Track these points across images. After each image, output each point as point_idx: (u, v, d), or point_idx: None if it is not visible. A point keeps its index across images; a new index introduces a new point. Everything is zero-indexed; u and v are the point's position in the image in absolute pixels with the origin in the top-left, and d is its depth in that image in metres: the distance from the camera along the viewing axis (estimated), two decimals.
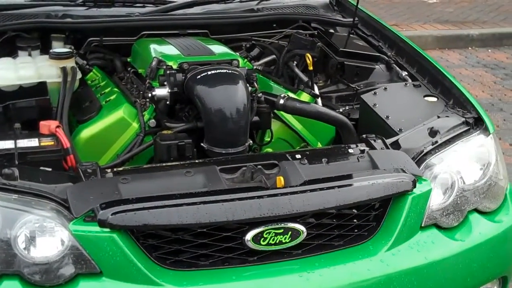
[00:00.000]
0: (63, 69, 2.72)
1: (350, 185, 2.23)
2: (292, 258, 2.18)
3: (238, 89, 2.50)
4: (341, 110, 2.97)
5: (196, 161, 2.34)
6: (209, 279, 2.09)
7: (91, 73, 3.04)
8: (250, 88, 2.59)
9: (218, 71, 2.53)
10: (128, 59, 3.12)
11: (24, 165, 2.22)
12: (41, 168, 2.23)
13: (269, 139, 2.74)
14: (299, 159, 2.34)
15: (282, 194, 2.14)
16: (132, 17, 3.16)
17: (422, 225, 2.35)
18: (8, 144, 2.29)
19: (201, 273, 2.10)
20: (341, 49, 3.14)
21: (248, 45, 3.34)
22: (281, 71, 3.29)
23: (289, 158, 2.34)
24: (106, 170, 2.23)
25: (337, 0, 3.74)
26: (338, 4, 3.74)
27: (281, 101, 2.67)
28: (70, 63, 2.78)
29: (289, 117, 2.81)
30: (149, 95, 2.62)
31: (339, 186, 2.21)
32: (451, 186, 2.47)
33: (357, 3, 3.37)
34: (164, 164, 2.31)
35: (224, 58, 2.72)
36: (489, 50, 8.19)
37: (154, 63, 2.68)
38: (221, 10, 3.42)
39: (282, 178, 2.18)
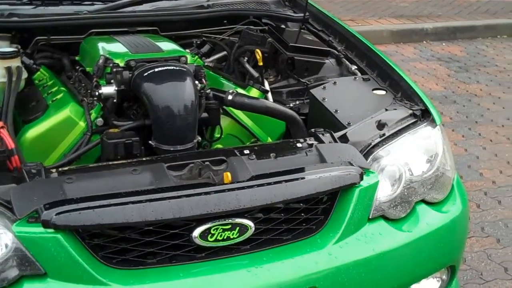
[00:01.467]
0: (8, 69, 2.67)
1: (297, 179, 2.23)
2: (240, 253, 2.18)
3: (186, 86, 2.49)
4: (291, 105, 2.99)
5: (143, 159, 2.32)
6: (156, 277, 2.08)
7: (38, 72, 2.99)
8: (198, 85, 2.58)
9: (165, 67, 2.52)
10: (77, 58, 3.08)
11: None
12: None
13: (218, 136, 2.73)
14: (247, 154, 2.34)
15: (229, 190, 2.13)
16: (80, 15, 3.12)
17: (370, 217, 2.37)
18: None
19: (148, 271, 2.09)
20: (290, 44, 3.15)
21: (198, 42, 3.33)
22: (232, 67, 3.29)
23: (237, 153, 2.34)
24: (51, 170, 2.21)
25: None
26: (289, 0, 3.75)
27: (230, 97, 2.67)
28: (15, 63, 2.73)
29: (239, 113, 2.81)
30: (96, 93, 2.60)
31: (286, 181, 2.21)
32: (398, 178, 2.49)
33: None
34: (110, 163, 2.29)
35: (172, 55, 2.70)
36: (443, 44, 8.31)
37: (101, 61, 2.66)
38: (171, 7, 3.40)
39: (229, 174, 2.18)
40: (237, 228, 2.14)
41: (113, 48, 2.81)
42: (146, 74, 2.50)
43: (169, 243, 2.11)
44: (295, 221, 2.27)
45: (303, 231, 2.28)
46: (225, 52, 3.35)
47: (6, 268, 1.99)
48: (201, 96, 2.60)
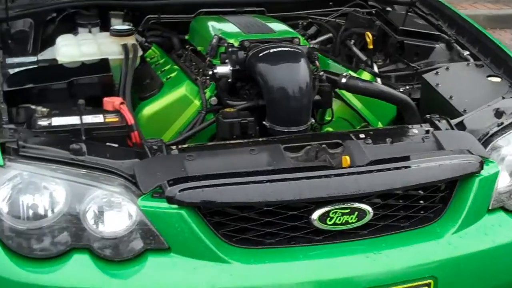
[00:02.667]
0: (125, 46, 2.72)
1: (417, 166, 2.19)
2: (358, 238, 2.16)
3: (301, 67, 2.48)
4: (401, 90, 2.93)
5: (260, 139, 2.32)
6: (276, 257, 2.09)
7: (150, 50, 3.04)
8: (311, 67, 2.57)
9: (280, 49, 2.51)
10: (186, 37, 3.12)
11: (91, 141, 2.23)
12: (108, 144, 2.24)
13: (329, 118, 2.71)
14: (363, 138, 2.31)
15: (348, 174, 2.12)
16: None
17: (489, 208, 2.31)
18: (74, 120, 2.31)
19: (267, 251, 2.10)
20: (400, 27, 3.09)
21: (304, 23, 3.31)
22: (338, 49, 3.26)
23: (353, 137, 2.32)
24: (171, 147, 2.24)
25: None
26: None
27: (343, 80, 2.64)
28: (131, 40, 2.79)
29: (349, 96, 2.78)
30: (210, 72, 2.62)
31: (405, 167, 2.18)
32: None
33: None
34: (228, 142, 2.31)
35: (285, 36, 2.70)
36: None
37: (214, 40, 2.68)
38: None
39: (347, 158, 2.16)
40: (356, 212, 2.12)
41: (226, 28, 2.82)
42: (261, 54, 2.50)
43: (288, 225, 2.11)
44: (413, 209, 2.24)
45: (421, 219, 2.25)
46: (330, 35, 3.32)
47: (131, 240, 2.04)
48: (315, 78, 2.58)
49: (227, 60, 2.57)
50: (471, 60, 2.98)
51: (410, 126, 2.45)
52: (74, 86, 2.52)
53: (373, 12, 3.38)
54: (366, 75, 2.84)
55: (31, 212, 2.04)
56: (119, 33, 2.78)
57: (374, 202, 2.18)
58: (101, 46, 2.71)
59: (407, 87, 2.98)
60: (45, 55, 2.83)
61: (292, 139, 2.32)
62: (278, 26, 2.86)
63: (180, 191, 2.01)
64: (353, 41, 3.29)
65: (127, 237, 2.04)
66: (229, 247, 2.07)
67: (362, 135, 2.34)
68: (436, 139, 2.35)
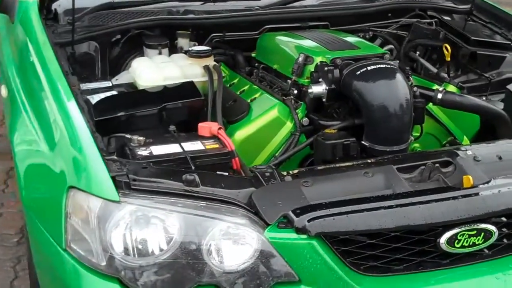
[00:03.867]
0: (207, 68, 2.64)
1: None
2: (484, 259, 2.11)
3: (400, 84, 2.43)
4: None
5: (369, 160, 2.26)
6: (405, 284, 2.03)
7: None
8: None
9: (377, 66, 2.46)
10: (252, 54, 3.05)
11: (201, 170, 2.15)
12: (218, 172, 2.17)
13: (418, 134, 2.66)
14: (471, 155, 2.27)
15: (475, 194, 2.06)
16: (254, 11, 3.09)
17: None
18: (174, 148, 2.23)
19: (396, 278, 2.04)
20: (473, 38, 3.04)
21: (368, 36, 3.26)
22: (402, 61, 3.21)
23: (462, 155, 2.27)
24: (283, 173, 2.17)
25: None
26: None
27: (439, 96, 2.59)
28: (210, 61, 2.71)
29: (437, 111, 2.73)
30: (296, 92, 2.57)
31: None
32: None
33: None
34: (338, 165, 2.24)
35: (371, 51, 2.64)
36: None
37: (301, 58, 2.61)
38: (337, 0, 3.35)
39: (470, 178, 2.11)
40: (482, 233, 2.07)
41: (306, 44, 2.76)
42: (358, 72, 2.45)
43: (415, 249, 2.05)
44: None
45: None
46: (391, 46, 3.27)
47: (259, 273, 1.96)
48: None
49: (320, 79, 2.50)
50: None
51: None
52: (165, 112, 2.44)
53: (433, 22, 3.33)
54: (451, 88, 2.79)
55: (151, 247, 1.95)
56: (198, 55, 2.70)
57: (497, 221, 2.12)
58: (183, 69, 2.63)
59: (484, 99, 2.94)
60: (120, 79, 2.74)
61: (401, 159, 2.27)
62: (358, 42, 2.81)
63: (309, 220, 1.94)
64: (417, 52, 3.25)
65: (255, 271, 1.96)
66: (358, 276, 2.00)
67: (469, 152, 2.30)
68: None
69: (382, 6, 3.27)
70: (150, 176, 2.06)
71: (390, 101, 2.38)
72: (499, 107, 2.79)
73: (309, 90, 2.49)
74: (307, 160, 2.54)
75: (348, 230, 1.96)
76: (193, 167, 2.14)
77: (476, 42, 3.05)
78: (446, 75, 3.03)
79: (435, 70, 3.10)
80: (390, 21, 3.33)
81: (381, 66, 2.46)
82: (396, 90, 2.40)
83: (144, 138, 2.28)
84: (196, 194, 2.01)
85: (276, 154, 2.48)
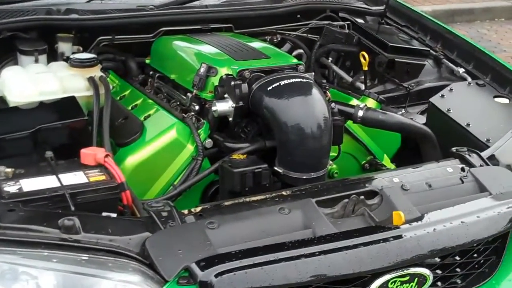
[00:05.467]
0: (92, 80, 2.24)
1: (477, 217, 1.88)
2: None
3: (317, 102, 2.11)
4: (398, 114, 2.62)
5: (284, 192, 1.94)
6: None
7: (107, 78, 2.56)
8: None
9: (291, 80, 2.13)
10: (146, 61, 2.67)
11: (80, 211, 1.76)
12: (104, 214, 1.78)
13: (335, 154, 2.35)
14: (398, 184, 1.99)
15: (408, 235, 1.78)
16: (148, 12, 2.70)
17: None
18: (50, 182, 1.83)
19: None
20: (391, 44, 2.77)
21: (276, 40, 2.93)
22: (313, 69, 2.91)
23: (388, 183, 1.99)
24: (183, 212, 1.81)
25: None
26: None
27: (360, 113, 2.29)
28: (96, 72, 2.30)
29: (356, 128, 2.44)
30: (197, 107, 2.22)
31: (464, 221, 1.86)
32: None
33: None
34: (249, 199, 1.90)
35: (284, 61, 2.32)
36: None
37: (202, 70, 2.25)
38: (241, 0, 3.00)
39: (401, 214, 1.82)
40: (416, 279, 1.80)
41: (208, 52, 2.40)
42: (270, 88, 2.11)
43: None
44: (469, 265, 1.93)
45: (477, 276, 1.95)
46: (300, 51, 2.97)
47: None
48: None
49: (226, 95, 2.15)
50: (469, 78, 2.73)
51: (442, 164, 2.14)
52: (40, 135, 2.02)
53: (346, 25, 3.05)
54: (371, 102, 2.50)
55: None
56: (82, 64, 2.28)
57: (432, 263, 1.85)
58: (63, 82, 2.20)
59: (403, 111, 2.69)
60: None
61: (320, 190, 1.96)
62: (267, 49, 2.48)
63: (216, 275, 1.59)
64: (330, 58, 2.96)
65: None
66: None
67: (396, 179, 2.02)
68: (475, 179, 2.07)
69: (291, 7, 2.95)
70: (18, 222, 1.67)
71: (306, 121, 2.06)
72: (421, 122, 2.54)
73: (213, 108, 2.14)
74: (211, 188, 2.19)
75: (263, 285, 1.62)
76: (73, 208, 1.75)
77: (394, 49, 2.77)
78: (362, 85, 2.76)
79: (350, 79, 2.82)
80: (299, 23, 3.01)
81: (296, 80, 2.13)
82: (313, 108, 2.09)
83: (13, 169, 1.87)
84: (76, 244, 1.63)
85: (175, 183, 2.12)
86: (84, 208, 1.79)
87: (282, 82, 2.11)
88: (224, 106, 2.14)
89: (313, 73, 2.32)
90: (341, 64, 2.96)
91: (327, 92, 2.28)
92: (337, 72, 2.86)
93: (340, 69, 2.91)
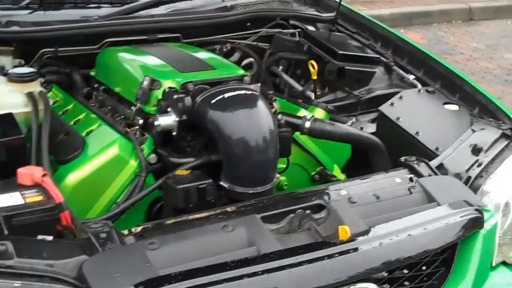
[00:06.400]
0: (31, 95, 2.16)
1: (424, 229, 1.86)
2: None
3: (262, 114, 2.07)
4: (349, 124, 2.60)
5: (228, 208, 1.89)
6: None
7: (50, 93, 2.49)
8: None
9: (236, 92, 2.08)
10: (91, 73, 2.60)
11: (14, 235, 1.69)
12: (40, 237, 1.71)
13: (284, 166, 2.31)
14: (345, 196, 1.96)
15: (353, 250, 1.74)
16: (92, 22, 2.63)
17: (492, 265, 2.04)
18: None
19: None
20: (340, 52, 2.75)
21: (225, 49, 2.89)
22: (264, 78, 2.88)
23: (335, 196, 1.96)
24: (123, 232, 1.75)
25: None
26: None
27: (307, 124, 2.26)
28: (36, 87, 2.22)
29: (304, 139, 2.40)
30: (141, 121, 2.17)
31: (411, 233, 1.84)
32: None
33: None
34: (192, 217, 1.85)
35: (230, 73, 2.27)
36: (402, 31, 8.06)
37: (146, 82, 2.19)
38: (189, 9, 2.95)
39: (346, 229, 1.78)
40: None
41: (151, 63, 2.35)
42: (214, 101, 2.06)
43: None
44: (418, 278, 1.91)
45: None
46: (250, 59, 2.93)
47: None
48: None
49: (169, 109, 2.10)
50: (419, 85, 2.72)
51: (390, 174, 2.12)
52: None
53: (296, 33, 3.02)
54: (320, 113, 2.46)
55: None
56: (21, 78, 2.20)
57: (378, 277, 1.82)
58: (0, 97, 2.12)
59: (354, 120, 2.66)
60: None
61: (266, 205, 1.92)
62: (213, 59, 2.43)
63: None
64: (281, 67, 2.93)
65: None
66: None
67: (343, 192, 1.99)
68: (424, 189, 2.05)
69: (241, 15, 2.90)
70: None
71: (251, 134, 2.01)
72: (371, 130, 2.52)
73: (156, 123, 2.08)
74: (156, 205, 2.13)
75: None
76: (6, 231, 1.68)
77: (344, 57, 2.75)
78: (312, 94, 2.72)
79: (300, 88, 2.79)
80: (249, 31, 2.97)
81: (240, 92, 2.09)
82: (258, 121, 2.05)
83: None
84: (8, 271, 1.56)
85: (118, 201, 2.05)
86: (19, 231, 1.72)
87: (226, 95, 2.06)
88: (167, 120, 2.08)
89: (259, 84, 2.27)
90: (291, 73, 2.92)
91: (274, 103, 2.24)
92: (287, 81, 2.82)
93: (291, 77, 2.88)
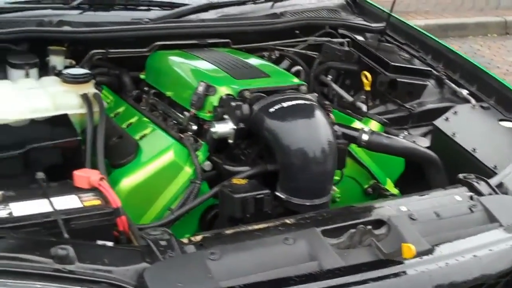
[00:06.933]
0: (85, 97, 2.14)
1: (489, 250, 1.81)
2: None
3: (322, 125, 2.03)
4: (401, 137, 2.54)
5: (287, 220, 1.85)
6: None
7: (101, 95, 2.46)
8: None
9: (294, 102, 2.04)
10: (141, 76, 2.57)
11: (74, 238, 1.66)
12: (100, 242, 1.68)
13: (338, 178, 2.26)
14: (406, 212, 1.91)
15: (419, 269, 1.69)
16: (143, 25, 2.60)
17: None
18: (42, 206, 1.73)
19: None
20: (393, 63, 2.70)
21: (274, 56, 2.85)
22: (312, 87, 2.83)
23: (395, 212, 1.91)
24: (183, 241, 1.71)
25: (354, 0, 3.31)
26: (355, 5, 3.31)
27: (365, 137, 2.21)
28: (90, 88, 2.20)
29: (357, 150, 2.35)
30: (195, 127, 2.14)
31: (477, 254, 1.78)
32: None
33: (393, 3, 2.94)
34: (251, 228, 1.81)
35: (285, 81, 2.23)
36: None
37: (201, 88, 2.16)
38: (239, 14, 2.92)
39: (412, 247, 1.73)
40: None
41: (205, 69, 2.31)
42: (272, 110, 2.02)
43: None
44: None
45: None
46: (298, 68, 2.88)
47: None
48: None
49: (226, 116, 2.06)
50: (473, 100, 2.66)
51: (449, 191, 2.07)
52: (32, 155, 1.92)
53: (345, 42, 2.97)
54: (374, 125, 2.42)
55: None
56: (76, 80, 2.18)
57: None
58: (55, 98, 2.10)
59: (405, 133, 2.60)
60: None
61: (326, 219, 1.87)
62: (266, 66, 2.40)
63: None
64: (330, 76, 2.88)
65: None
66: None
67: (403, 208, 1.94)
68: (485, 208, 1.99)
69: (290, 23, 2.87)
70: (8, 250, 1.58)
71: (310, 145, 1.97)
72: (423, 144, 2.46)
73: (212, 130, 2.05)
74: (210, 212, 2.09)
75: None
76: (66, 235, 1.65)
77: (396, 68, 2.70)
78: (363, 105, 2.68)
79: (350, 99, 2.74)
80: (298, 39, 2.93)
81: (299, 102, 2.05)
82: (317, 131, 2.01)
83: (2, 191, 1.76)
84: (70, 276, 1.53)
85: (172, 207, 2.02)
86: (77, 234, 1.69)
87: (285, 104, 2.03)
88: (224, 127, 2.04)
89: (316, 94, 2.23)
90: (341, 83, 2.88)
91: (330, 114, 2.20)
92: (337, 91, 2.78)
93: (340, 87, 2.83)
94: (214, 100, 2.14)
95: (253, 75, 2.26)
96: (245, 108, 2.03)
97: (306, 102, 2.06)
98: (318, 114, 2.05)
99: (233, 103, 2.04)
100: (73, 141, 1.97)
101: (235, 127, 2.04)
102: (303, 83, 2.21)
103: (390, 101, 2.75)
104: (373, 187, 2.38)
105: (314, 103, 2.09)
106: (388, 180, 2.42)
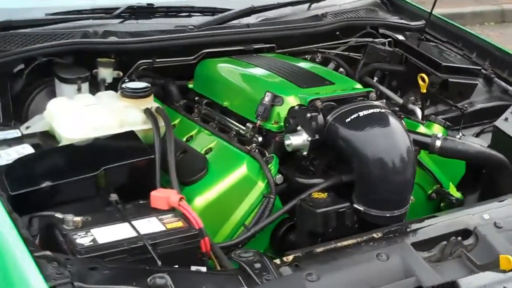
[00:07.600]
0: (149, 112, 2.07)
1: None
2: None
3: (400, 134, 1.97)
4: (458, 138, 2.49)
5: (375, 235, 1.79)
6: None
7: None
8: None
9: (370, 111, 1.98)
10: (189, 85, 2.51)
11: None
12: (193, 268, 1.62)
13: None
14: (491, 220, 1.86)
15: None
16: (190, 33, 2.53)
17: None
18: (124, 231, 1.66)
19: None
20: (444, 64, 2.64)
21: (317, 59, 2.79)
22: None
23: (479, 220, 1.86)
24: (275, 261, 1.65)
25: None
26: (391, 3, 3.25)
27: (438, 143, 2.15)
28: (150, 102, 2.13)
29: (422, 155, 2.29)
30: (259, 138, 2.08)
31: None
32: None
33: (435, 1, 2.89)
34: (341, 244, 1.75)
35: (351, 89, 2.17)
36: None
37: (267, 98, 2.09)
38: (279, 17, 2.85)
39: (510, 258, 1.69)
40: None
41: (268, 78, 2.25)
42: (349, 120, 1.96)
43: None
44: None
45: None
46: (341, 70, 2.82)
47: None
48: None
49: (299, 127, 2.00)
50: None
51: None
52: (105, 176, 1.85)
53: (386, 42, 2.92)
54: (437, 128, 2.36)
55: None
56: (136, 94, 2.10)
57: None
58: (118, 115, 2.03)
59: (461, 134, 2.55)
60: (33, 127, 2.09)
61: (413, 231, 1.82)
62: (326, 72, 2.34)
63: None
64: (375, 78, 2.83)
65: None
66: None
67: (486, 216, 1.90)
68: None
69: (333, 24, 2.81)
70: (103, 282, 1.50)
71: (390, 155, 1.91)
72: (485, 145, 2.42)
73: (286, 142, 1.98)
74: (282, 227, 2.03)
75: None
76: (159, 262, 1.58)
77: (447, 69, 2.65)
78: (414, 107, 2.62)
79: (400, 101, 2.68)
80: (340, 41, 2.87)
81: (374, 111, 1.98)
82: (396, 140, 1.95)
83: (81, 218, 1.69)
84: None
85: (246, 223, 1.96)
86: (164, 259, 1.63)
87: (360, 113, 1.96)
88: (299, 139, 1.98)
89: (384, 100, 2.17)
90: (387, 84, 2.82)
91: (402, 121, 2.14)
92: (385, 93, 2.72)
93: (387, 89, 2.78)
94: (281, 110, 2.08)
95: (318, 83, 2.20)
96: (320, 119, 1.97)
97: (381, 110, 2.00)
98: (395, 122, 1.99)
99: (308, 114, 1.97)
100: (147, 160, 1.90)
101: (310, 138, 1.97)
102: (372, 90, 2.16)
103: (441, 101, 2.70)
104: (437, 192, 2.32)
105: (389, 111, 2.03)
106: (451, 184, 2.36)
